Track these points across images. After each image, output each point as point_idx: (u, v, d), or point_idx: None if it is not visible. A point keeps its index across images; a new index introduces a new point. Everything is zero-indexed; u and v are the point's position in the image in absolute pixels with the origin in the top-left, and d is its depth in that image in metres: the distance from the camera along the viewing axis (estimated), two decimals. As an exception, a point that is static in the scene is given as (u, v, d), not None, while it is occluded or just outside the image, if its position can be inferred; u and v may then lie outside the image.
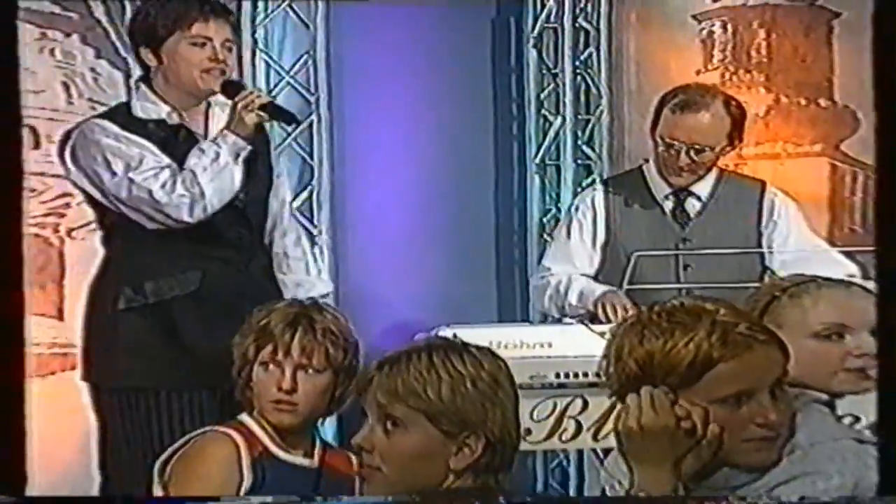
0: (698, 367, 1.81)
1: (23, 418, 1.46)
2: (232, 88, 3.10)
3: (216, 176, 3.01)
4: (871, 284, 2.57)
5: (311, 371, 2.42)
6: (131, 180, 2.99)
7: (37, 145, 3.68)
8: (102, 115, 3.16)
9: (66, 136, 3.11)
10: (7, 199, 1.44)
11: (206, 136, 3.14)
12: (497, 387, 1.82)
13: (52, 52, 3.85)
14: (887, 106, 1.36)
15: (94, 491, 3.37)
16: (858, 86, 4.16)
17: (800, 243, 3.48)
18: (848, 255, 3.49)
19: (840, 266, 3.29)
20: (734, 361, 1.82)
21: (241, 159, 3.06)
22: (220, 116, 3.18)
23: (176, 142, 3.08)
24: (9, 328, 1.48)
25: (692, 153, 3.35)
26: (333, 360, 2.43)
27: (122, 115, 3.10)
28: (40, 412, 3.37)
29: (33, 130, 3.70)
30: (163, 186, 2.98)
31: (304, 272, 3.28)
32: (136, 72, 3.45)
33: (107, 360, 3.10)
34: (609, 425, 2.94)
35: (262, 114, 3.05)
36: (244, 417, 2.47)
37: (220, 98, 3.17)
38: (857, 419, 2.54)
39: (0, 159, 1.42)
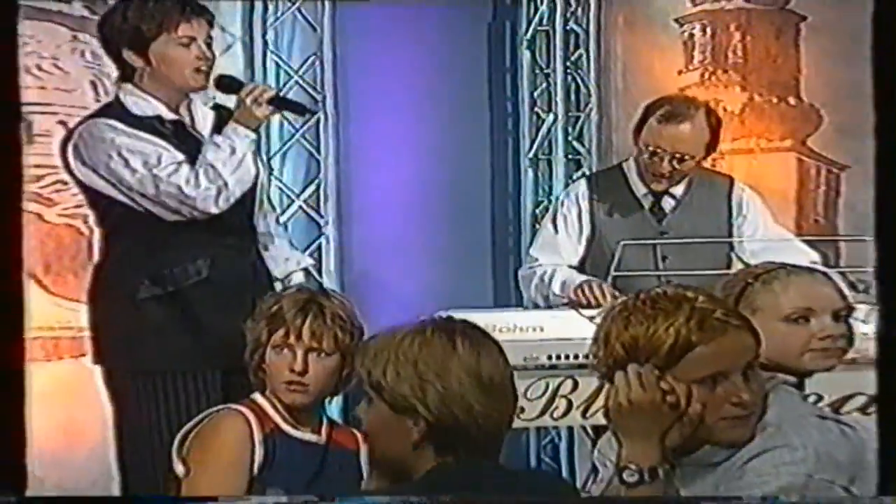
0: (678, 350, 1.88)
1: (23, 419, 1.40)
2: (229, 83, 3.15)
3: (236, 168, 3.07)
4: (832, 271, 2.88)
5: (321, 354, 2.47)
6: (156, 176, 3.04)
7: (69, 139, 4.14)
8: (103, 114, 3.15)
9: (68, 135, 3.14)
10: (7, 200, 1.38)
11: (194, 129, 3.20)
12: (444, 371, 1.84)
13: (82, 53, 3.93)
14: (887, 106, 1.36)
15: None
16: (822, 85, 4.36)
17: (767, 234, 3.62)
18: (810, 243, 3.64)
19: (803, 254, 3.43)
20: (711, 345, 1.89)
21: (251, 150, 3.15)
22: (203, 110, 3.21)
23: (176, 136, 3.11)
24: (8, 333, 1.42)
25: (674, 161, 3.45)
26: (341, 343, 2.49)
27: (122, 113, 3.12)
28: (75, 388, 3.67)
29: (66, 126, 3.78)
30: (188, 182, 3.03)
31: (289, 247, 3.36)
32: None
33: (124, 345, 3.15)
34: (598, 403, 2.98)
35: (271, 107, 3.12)
36: (256, 396, 2.53)
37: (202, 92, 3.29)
38: (821, 398, 2.74)
39: (1, 156, 1.37)
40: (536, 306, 3.68)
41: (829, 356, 2.33)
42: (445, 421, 1.82)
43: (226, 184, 3.07)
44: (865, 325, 2.70)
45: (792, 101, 4.41)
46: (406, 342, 1.83)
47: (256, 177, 3.24)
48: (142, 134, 3.07)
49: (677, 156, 3.43)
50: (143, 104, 3.10)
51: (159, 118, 3.10)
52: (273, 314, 2.51)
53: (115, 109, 3.14)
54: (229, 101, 3.19)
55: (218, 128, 3.16)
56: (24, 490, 1.39)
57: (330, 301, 2.55)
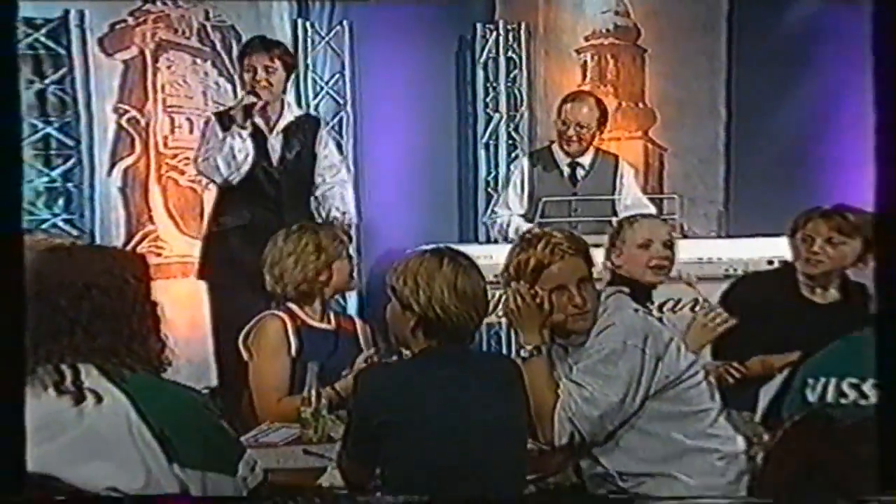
0: (539, 269, 2.25)
1: (23, 418, 1.24)
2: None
3: (228, 157, 3.51)
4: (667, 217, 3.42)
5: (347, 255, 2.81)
6: (199, 157, 3.55)
7: (191, 131, 4.25)
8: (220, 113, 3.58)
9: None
10: (8, 200, 1.22)
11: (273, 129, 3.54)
12: (431, 281, 2.00)
13: (197, 72, 4.31)
14: (888, 106, 1.20)
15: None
16: (656, 95, 4.79)
17: (634, 193, 4.06)
18: (651, 199, 4.12)
19: (648, 207, 3.91)
20: (556, 265, 2.24)
21: (241, 140, 3.45)
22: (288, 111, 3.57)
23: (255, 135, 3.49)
24: (8, 338, 1.23)
25: (577, 128, 3.92)
26: (348, 252, 2.87)
27: (223, 115, 3.55)
28: (197, 295, 3.87)
29: (190, 121, 4.27)
30: (202, 161, 3.54)
31: (341, 206, 3.68)
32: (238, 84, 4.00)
33: (207, 266, 3.64)
34: None
35: (241, 111, 3.46)
36: (290, 305, 2.76)
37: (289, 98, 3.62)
38: (653, 302, 3.04)
39: (2, 150, 1.23)
40: (490, 240, 4.22)
41: (660, 272, 2.76)
42: (430, 315, 2.01)
43: (217, 167, 3.51)
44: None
45: (641, 105, 4.82)
46: (412, 262, 2.05)
47: (310, 168, 3.61)
48: (216, 128, 3.55)
49: (578, 124, 3.91)
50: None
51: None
52: (316, 249, 2.76)
53: (223, 112, 3.59)
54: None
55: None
56: (24, 490, 1.26)
57: (325, 228, 2.88)
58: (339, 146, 4.24)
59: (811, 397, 2.12)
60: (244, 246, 3.50)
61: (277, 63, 3.54)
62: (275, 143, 3.59)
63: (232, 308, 3.39)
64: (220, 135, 3.47)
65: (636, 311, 2.35)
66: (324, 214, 3.60)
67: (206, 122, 3.58)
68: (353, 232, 3.58)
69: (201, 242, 3.70)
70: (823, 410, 2.05)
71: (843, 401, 2.09)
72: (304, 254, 2.74)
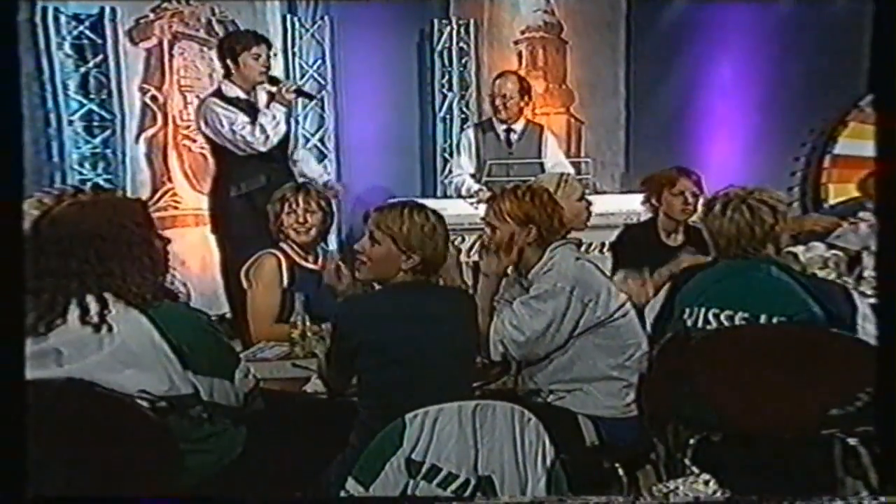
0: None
1: (23, 418, 1.13)
2: (273, 80, 3.52)
3: (275, 127, 3.46)
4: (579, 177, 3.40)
5: (310, 212, 2.76)
6: (233, 130, 3.41)
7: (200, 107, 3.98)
8: (212, 95, 3.50)
9: (198, 107, 3.53)
10: (9, 188, 1.12)
11: (257, 104, 3.44)
12: (434, 231, 2.00)
13: (203, 58, 4.42)
14: (888, 105, 1.04)
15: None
16: (575, 79, 4.96)
17: (556, 156, 4.18)
18: (573, 163, 4.24)
19: (567, 168, 4.03)
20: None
21: (284, 117, 3.44)
22: (262, 94, 3.52)
23: (247, 108, 3.46)
24: (8, 344, 1.11)
25: (504, 99, 4.03)
26: (320, 205, 2.78)
27: (220, 95, 3.48)
28: (199, 242, 4.02)
29: (199, 99, 4.08)
30: (251, 134, 3.42)
31: (314, 170, 3.72)
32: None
33: (223, 222, 3.57)
34: (474, 249, 3.66)
35: (294, 94, 3.51)
36: (281, 244, 2.79)
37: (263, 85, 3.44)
38: (590, 244, 3.39)
39: (2, 131, 1.14)
40: (446, 195, 4.27)
41: (587, 222, 2.79)
42: (433, 259, 2.01)
43: (268, 137, 3.43)
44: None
45: (564, 87, 4.99)
46: (384, 209, 2.06)
47: (288, 131, 3.50)
48: (229, 107, 3.44)
49: (503, 95, 4.03)
50: (232, 90, 3.48)
51: (241, 99, 3.47)
52: (283, 197, 2.76)
53: (218, 93, 3.50)
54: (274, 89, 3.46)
55: (267, 104, 3.48)
56: (24, 490, 1.14)
57: (307, 188, 2.85)
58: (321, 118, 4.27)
59: (689, 322, 2.22)
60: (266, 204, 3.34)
61: (271, 52, 3.64)
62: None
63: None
64: (237, 113, 3.41)
65: (577, 259, 2.30)
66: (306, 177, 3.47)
67: (211, 106, 3.49)
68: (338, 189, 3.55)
69: (219, 204, 3.57)
70: (683, 330, 2.17)
71: (707, 326, 2.19)
72: (271, 206, 2.80)
